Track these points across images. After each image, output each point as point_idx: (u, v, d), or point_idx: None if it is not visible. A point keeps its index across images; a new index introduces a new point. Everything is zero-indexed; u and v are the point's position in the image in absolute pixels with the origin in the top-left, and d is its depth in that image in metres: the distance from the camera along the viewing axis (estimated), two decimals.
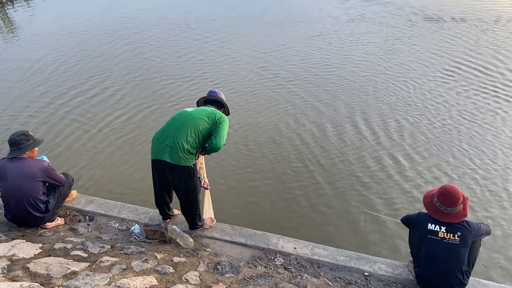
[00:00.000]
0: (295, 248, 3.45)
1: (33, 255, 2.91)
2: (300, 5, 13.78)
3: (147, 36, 11.17)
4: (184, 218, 3.56)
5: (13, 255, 2.84)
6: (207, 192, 3.68)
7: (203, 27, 11.78)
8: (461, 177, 5.12)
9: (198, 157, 3.49)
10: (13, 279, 2.43)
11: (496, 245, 4.15)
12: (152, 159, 3.22)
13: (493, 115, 6.51)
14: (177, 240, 3.36)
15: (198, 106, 3.55)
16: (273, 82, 8.05)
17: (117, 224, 3.79)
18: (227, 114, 3.57)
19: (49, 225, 3.59)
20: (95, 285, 2.45)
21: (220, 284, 2.82)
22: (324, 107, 6.97)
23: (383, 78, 7.96)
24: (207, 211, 3.70)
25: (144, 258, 3.01)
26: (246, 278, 2.99)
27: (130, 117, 6.89)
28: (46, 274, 2.56)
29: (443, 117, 6.48)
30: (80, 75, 8.69)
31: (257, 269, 3.18)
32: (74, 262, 2.84)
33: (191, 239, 3.41)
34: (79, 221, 3.82)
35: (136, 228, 3.66)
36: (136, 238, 3.55)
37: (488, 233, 2.98)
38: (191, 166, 3.15)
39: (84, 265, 2.79)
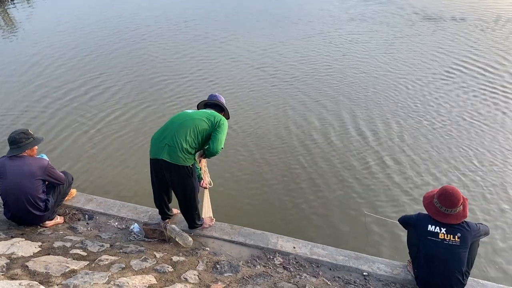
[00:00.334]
0: (294, 247, 3.46)
1: (32, 254, 2.91)
2: (300, 4, 13.76)
3: (145, 34, 11.12)
4: (183, 217, 3.56)
5: (12, 254, 2.84)
6: (206, 192, 3.68)
7: (202, 25, 11.74)
8: (460, 178, 5.11)
9: (200, 161, 3.49)
10: (12, 278, 2.44)
11: (495, 245, 4.15)
12: (150, 158, 3.23)
13: (493, 116, 6.50)
14: (176, 239, 3.37)
15: (198, 109, 3.55)
16: (272, 81, 8.02)
17: (116, 223, 3.79)
18: (227, 118, 3.58)
19: (49, 223, 3.59)
20: (94, 283, 2.45)
21: (219, 283, 2.82)
22: (323, 107, 6.95)
23: (383, 78, 7.95)
24: (207, 210, 3.71)
25: (143, 257, 3.01)
26: (245, 277, 2.99)
27: (128, 116, 6.84)
28: (45, 272, 2.56)
29: (444, 118, 6.46)
30: (76, 73, 8.64)
31: (256, 268, 3.19)
32: (73, 260, 2.84)
33: (190, 238, 3.42)
34: (79, 220, 3.83)
35: (135, 227, 3.66)
36: (135, 237, 3.56)
37: (486, 233, 2.99)
38: (189, 166, 3.15)
39: (83, 263, 2.80)
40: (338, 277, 3.18)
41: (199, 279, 2.84)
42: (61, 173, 3.63)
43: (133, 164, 5.53)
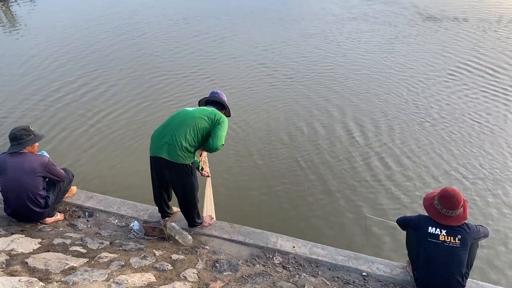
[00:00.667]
0: (293, 247, 3.45)
1: (32, 250, 2.92)
2: (302, 2, 13.74)
3: (145, 32, 11.12)
4: (183, 216, 3.56)
5: (12, 250, 2.85)
6: (209, 190, 3.68)
7: (202, 23, 11.74)
8: (461, 180, 5.10)
9: (201, 154, 3.49)
10: (11, 274, 2.44)
11: (496, 248, 4.15)
12: (150, 156, 3.23)
13: (495, 118, 6.49)
14: (176, 238, 3.37)
15: (199, 106, 3.54)
16: (272, 79, 8.01)
17: (116, 221, 3.79)
18: (228, 115, 3.57)
19: (49, 220, 3.59)
20: (94, 281, 2.45)
21: (218, 282, 2.82)
22: (324, 107, 6.94)
23: (386, 78, 7.95)
24: (208, 209, 3.70)
25: (142, 255, 3.02)
26: (244, 276, 3.00)
27: (130, 114, 6.85)
28: (45, 269, 2.57)
29: (446, 119, 6.45)
30: (74, 70, 8.63)
31: (256, 267, 3.19)
32: (73, 257, 2.84)
33: (190, 237, 3.42)
34: (79, 217, 3.83)
35: (135, 225, 3.67)
36: (135, 234, 3.56)
37: (486, 235, 2.99)
38: (189, 164, 3.15)
39: (82, 260, 2.80)
40: (337, 277, 3.18)
41: (198, 277, 2.85)
42: (61, 170, 3.63)
43: (133, 162, 5.53)
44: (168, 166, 3.12)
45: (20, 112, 6.96)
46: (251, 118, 6.60)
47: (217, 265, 3.11)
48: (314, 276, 3.16)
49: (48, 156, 3.57)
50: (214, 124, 3.20)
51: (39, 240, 3.14)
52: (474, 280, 3.21)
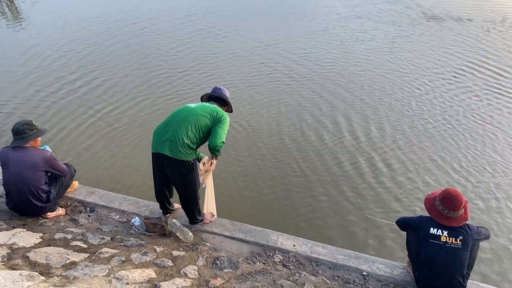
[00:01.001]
0: (294, 245, 3.45)
1: (33, 244, 2.93)
2: (306, 0, 13.68)
3: (146, 28, 11.07)
4: (184, 212, 3.56)
5: (13, 244, 2.86)
6: (210, 187, 3.68)
7: (204, 20, 11.67)
8: (463, 182, 5.08)
9: (212, 163, 3.43)
10: (12, 268, 2.45)
11: (497, 250, 4.14)
12: (152, 152, 3.23)
13: (499, 119, 6.46)
14: (177, 234, 3.37)
15: (202, 101, 3.54)
16: (273, 77, 7.99)
17: (117, 216, 3.80)
18: (230, 111, 3.57)
19: (50, 215, 3.60)
20: (94, 276, 2.46)
21: (218, 279, 2.83)
22: (326, 106, 6.92)
23: (390, 77, 7.91)
24: (209, 206, 3.70)
25: (143, 251, 3.02)
26: (244, 274, 3.00)
27: (136, 109, 6.83)
28: (46, 263, 2.58)
29: (450, 120, 6.40)
30: (74, 65, 8.58)
31: (256, 265, 3.19)
32: (74, 252, 2.85)
33: (190, 233, 3.42)
34: (80, 212, 3.84)
35: (136, 221, 3.67)
36: (136, 230, 3.57)
37: (487, 237, 2.99)
38: (190, 161, 3.16)
39: (83, 256, 2.81)
40: (338, 276, 3.18)
41: (199, 274, 2.85)
42: (63, 165, 3.64)
43: (135, 158, 5.53)
44: (170, 163, 3.13)
45: (20, 106, 6.95)
46: (252, 116, 6.57)
47: (217, 262, 3.12)
48: (314, 275, 3.16)
49: (51, 150, 3.58)
50: (216, 122, 3.20)
51: (41, 234, 3.15)
52: (474, 282, 3.20)
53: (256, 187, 5.02)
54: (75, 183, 4.10)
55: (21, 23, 11.93)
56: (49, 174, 3.52)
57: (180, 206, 3.62)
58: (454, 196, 2.80)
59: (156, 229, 3.50)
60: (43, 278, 2.33)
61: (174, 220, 3.48)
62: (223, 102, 3.51)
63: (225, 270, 3.02)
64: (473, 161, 5.45)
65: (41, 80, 7.90)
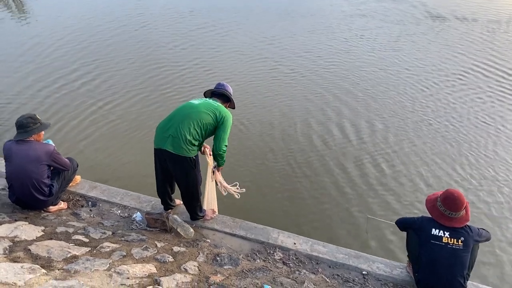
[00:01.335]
0: (294, 243, 3.46)
1: (35, 238, 2.95)
2: None
3: (148, 23, 11.04)
4: (185, 208, 3.58)
5: (15, 237, 2.87)
6: (211, 184, 3.68)
7: (207, 16, 11.64)
8: (465, 183, 5.07)
9: (218, 169, 3.50)
10: (14, 260, 2.47)
11: (499, 253, 4.14)
12: (154, 148, 3.24)
13: (503, 121, 6.42)
14: (178, 230, 3.39)
15: (205, 97, 3.54)
16: (275, 74, 7.96)
17: (119, 211, 3.82)
18: (233, 107, 3.58)
19: (52, 208, 3.62)
20: (95, 270, 2.47)
21: (219, 275, 2.84)
22: (330, 103, 6.90)
23: (394, 76, 7.87)
24: (211, 202, 3.72)
25: (144, 246, 3.04)
26: (244, 270, 3.01)
27: (139, 105, 6.82)
28: (47, 257, 2.59)
29: (451, 122, 6.37)
30: (74, 59, 8.58)
31: (256, 262, 3.20)
32: (75, 246, 2.87)
33: (191, 230, 3.44)
34: (82, 206, 3.86)
35: (137, 216, 3.69)
36: (137, 225, 3.58)
37: (488, 239, 2.99)
38: (192, 157, 3.16)
39: (84, 249, 2.82)
40: (337, 275, 3.19)
41: (199, 270, 2.86)
42: (66, 159, 3.65)
43: (137, 153, 5.53)
44: (172, 159, 3.14)
45: (21, 100, 6.94)
46: (254, 114, 6.55)
47: (218, 258, 3.13)
48: (314, 273, 3.16)
49: (54, 145, 3.59)
50: (219, 121, 3.21)
51: (42, 227, 3.17)
52: (474, 283, 3.20)
53: (257, 186, 5.00)
54: (78, 177, 4.12)
55: (24, 16, 11.93)
56: (51, 168, 3.53)
57: (182, 202, 3.63)
58: (455, 197, 2.80)
59: (157, 225, 3.51)
60: (45, 271, 2.34)
61: (175, 216, 3.49)
62: (226, 99, 3.51)
63: (225, 267, 3.03)
64: (475, 163, 5.42)
65: (40, 72, 7.88)
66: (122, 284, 2.35)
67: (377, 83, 7.62)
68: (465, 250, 2.76)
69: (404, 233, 3.19)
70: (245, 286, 2.74)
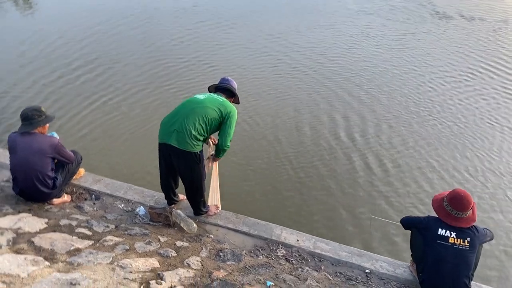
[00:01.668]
0: (297, 240, 3.45)
1: (38, 230, 2.95)
2: None
3: (151, 18, 10.96)
4: (189, 203, 3.57)
5: (19, 228, 2.88)
6: (215, 180, 3.68)
7: (212, 10, 11.56)
8: (467, 183, 5.04)
9: (215, 159, 3.50)
10: (17, 252, 2.47)
11: (501, 253, 4.11)
12: (159, 143, 3.23)
13: (507, 118, 6.38)
14: (181, 225, 3.38)
15: (209, 92, 3.53)
16: (279, 70, 7.91)
17: (122, 205, 3.81)
18: (237, 102, 3.57)
19: (56, 201, 3.62)
20: (98, 263, 2.48)
21: (221, 270, 2.83)
22: (335, 102, 6.84)
23: (399, 75, 7.81)
24: (214, 197, 3.71)
25: (147, 240, 3.04)
26: (247, 266, 3.00)
27: (148, 100, 6.78)
28: (51, 249, 2.60)
29: (456, 122, 6.31)
30: (74, 53, 8.51)
31: (259, 258, 3.19)
32: (78, 239, 2.87)
33: (194, 225, 3.43)
34: (85, 199, 3.86)
35: (141, 210, 3.69)
36: (141, 220, 3.58)
37: (491, 238, 2.99)
38: (197, 152, 3.15)
39: (88, 243, 2.82)
40: (340, 273, 3.18)
41: (202, 265, 2.86)
42: (70, 152, 3.64)
43: (141, 148, 5.51)
44: (176, 154, 3.12)
45: (21, 94, 6.90)
46: (258, 111, 6.50)
47: (220, 254, 3.12)
48: (317, 270, 3.15)
49: (58, 137, 3.59)
50: (224, 117, 3.19)
51: (46, 220, 3.17)
52: (477, 284, 3.19)
53: (259, 184, 4.99)
54: (81, 170, 4.12)
55: (30, 8, 11.92)
56: (56, 160, 3.53)
57: (185, 197, 3.62)
58: (463, 197, 2.78)
59: (160, 219, 3.51)
60: (48, 263, 2.35)
61: (178, 211, 3.49)
62: (231, 94, 3.50)
63: (228, 262, 3.02)
64: (480, 164, 5.38)
65: (41, 65, 7.83)
66: (125, 278, 2.35)
67: (382, 82, 7.56)
68: (471, 251, 2.75)
69: (408, 233, 3.18)
70: (247, 282, 2.73)
